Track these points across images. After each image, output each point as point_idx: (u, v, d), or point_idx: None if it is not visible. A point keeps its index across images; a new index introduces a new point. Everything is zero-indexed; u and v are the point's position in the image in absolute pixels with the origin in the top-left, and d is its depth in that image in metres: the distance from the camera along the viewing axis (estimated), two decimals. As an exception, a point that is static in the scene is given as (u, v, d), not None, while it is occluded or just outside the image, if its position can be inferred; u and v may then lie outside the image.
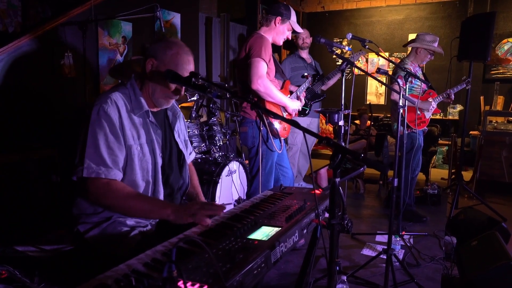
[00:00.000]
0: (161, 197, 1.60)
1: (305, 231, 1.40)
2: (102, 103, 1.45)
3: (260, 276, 1.07)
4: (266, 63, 2.56)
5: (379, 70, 2.21)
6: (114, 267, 1.02)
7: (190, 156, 1.91)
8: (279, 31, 2.72)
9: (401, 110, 2.19)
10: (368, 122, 5.43)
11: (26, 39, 3.19)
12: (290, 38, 2.79)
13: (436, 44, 3.40)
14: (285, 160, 2.98)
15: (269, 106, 2.66)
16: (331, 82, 3.79)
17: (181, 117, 1.83)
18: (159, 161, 1.58)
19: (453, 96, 3.50)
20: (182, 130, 1.82)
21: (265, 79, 2.53)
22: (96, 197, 1.43)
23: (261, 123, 2.66)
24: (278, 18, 2.68)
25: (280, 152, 2.81)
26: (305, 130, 1.24)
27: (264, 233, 1.26)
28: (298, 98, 3.00)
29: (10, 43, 3.07)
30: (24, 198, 2.88)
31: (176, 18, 4.72)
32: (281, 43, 2.77)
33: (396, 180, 2.17)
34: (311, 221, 1.44)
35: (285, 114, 2.83)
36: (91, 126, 1.44)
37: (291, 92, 3.02)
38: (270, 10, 2.72)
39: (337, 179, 1.21)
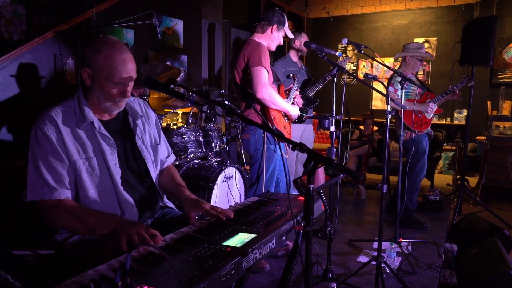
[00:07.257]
0: (131, 206, 1.54)
1: (284, 237, 1.40)
2: (40, 123, 1.42)
3: (229, 283, 1.07)
4: (268, 70, 2.58)
5: (366, 76, 2.21)
6: (82, 273, 1.03)
7: (168, 159, 1.83)
8: (274, 38, 2.73)
9: (389, 116, 2.17)
10: (371, 127, 5.39)
11: (29, 46, 3.26)
12: (281, 43, 2.79)
13: (423, 50, 3.54)
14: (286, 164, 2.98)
15: (272, 112, 2.69)
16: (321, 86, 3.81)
17: (151, 120, 1.73)
18: (117, 172, 1.51)
19: (458, 91, 3.57)
20: (151, 134, 1.71)
21: (269, 88, 2.56)
22: (47, 218, 1.42)
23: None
24: (275, 26, 2.69)
25: (287, 156, 2.82)
26: (279, 137, 1.24)
27: (239, 239, 1.26)
28: (292, 101, 3.01)
29: (13, 51, 3.14)
30: (23, 202, 2.92)
31: (178, 25, 4.77)
32: (274, 49, 2.77)
33: (385, 186, 2.15)
34: (291, 228, 1.43)
35: (286, 119, 2.87)
36: (31, 149, 1.41)
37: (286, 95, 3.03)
38: (266, 17, 2.68)
39: (312, 186, 1.21)
